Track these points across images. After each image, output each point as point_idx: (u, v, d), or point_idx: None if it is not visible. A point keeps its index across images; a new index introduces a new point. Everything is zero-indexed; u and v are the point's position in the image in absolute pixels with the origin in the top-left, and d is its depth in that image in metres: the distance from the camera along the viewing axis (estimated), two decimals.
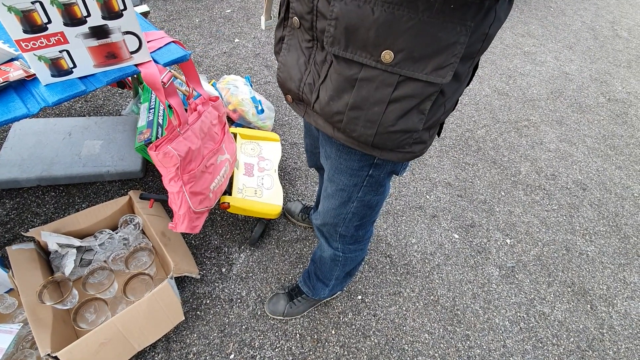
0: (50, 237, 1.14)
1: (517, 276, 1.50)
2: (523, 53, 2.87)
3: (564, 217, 1.75)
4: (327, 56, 0.56)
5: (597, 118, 2.36)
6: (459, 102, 2.32)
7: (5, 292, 1.10)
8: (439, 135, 0.72)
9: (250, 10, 2.73)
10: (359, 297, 1.35)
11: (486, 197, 1.79)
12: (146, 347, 1.12)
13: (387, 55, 0.49)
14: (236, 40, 2.44)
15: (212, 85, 1.77)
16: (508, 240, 1.63)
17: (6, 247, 1.09)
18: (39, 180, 1.48)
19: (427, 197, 1.74)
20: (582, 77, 2.71)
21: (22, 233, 1.14)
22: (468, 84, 0.64)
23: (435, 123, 0.61)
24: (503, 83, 2.54)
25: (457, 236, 1.61)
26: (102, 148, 1.60)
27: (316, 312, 1.29)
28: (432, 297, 1.39)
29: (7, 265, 1.09)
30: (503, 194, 1.82)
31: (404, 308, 1.34)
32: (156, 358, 1.13)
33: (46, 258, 1.19)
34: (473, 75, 0.63)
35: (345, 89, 0.55)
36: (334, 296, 1.32)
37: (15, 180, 1.45)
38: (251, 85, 1.85)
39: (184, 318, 1.14)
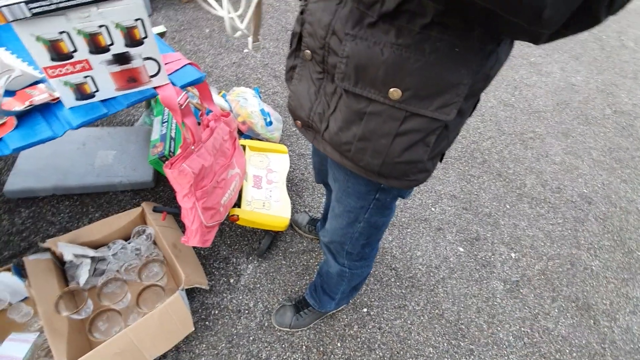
0: (66, 247, 1.18)
1: (521, 290, 1.51)
2: (529, 64, 2.88)
3: (569, 231, 1.76)
4: (337, 88, 0.59)
5: (602, 130, 2.36)
6: None
7: (21, 301, 1.13)
8: (441, 161, 0.75)
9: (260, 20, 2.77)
10: (365, 309, 1.37)
11: (491, 210, 1.80)
12: (157, 357, 1.15)
13: (395, 93, 0.52)
14: (245, 50, 2.48)
15: (221, 96, 1.81)
16: (513, 254, 1.64)
17: (23, 258, 1.13)
18: (54, 190, 1.52)
19: (433, 209, 1.76)
20: (588, 88, 2.72)
21: (40, 244, 1.18)
22: (470, 115, 0.67)
23: (439, 153, 0.64)
24: (509, 94, 2.56)
25: (462, 249, 1.62)
26: (115, 158, 1.64)
27: (322, 324, 1.31)
28: (436, 310, 1.41)
29: (23, 275, 1.13)
30: (508, 206, 1.84)
31: (408, 321, 1.36)
32: None
33: (61, 268, 1.23)
34: (475, 107, 0.66)
35: (354, 121, 0.58)
36: (340, 309, 1.34)
37: (31, 190, 1.50)
38: (260, 97, 1.89)
39: (194, 329, 1.17)
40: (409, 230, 1.66)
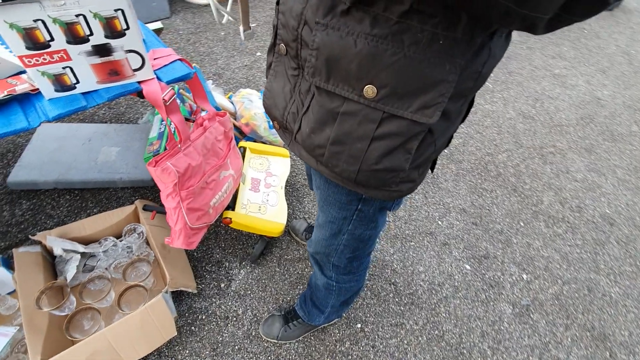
0: (55, 241, 1.17)
1: (532, 316, 1.40)
2: (552, 75, 2.74)
3: (588, 254, 1.62)
4: (312, 86, 0.53)
5: (629, 148, 2.20)
6: (480, 124, 2.24)
7: (8, 294, 1.13)
8: (432, 171, 0.68)
9: None
10: (359, 325, 1.30)
11: (503, 227, 1.69)
12: None
13: (370, 90, 0.46)
14: (258, 53, 2.48)
15: (228, 98, 1.80)
16: (524, 276, 1.52)
17: (13, 249, 1.12)
18: (55, 184, 1.53)
19: (439, 222, 1.67)
20: (614, 103, 2.56)
21: (30, 236, 1.17)
22: (463, 121, 0.60)
23: (425, 161, 0.57)
24: (529, 106, 2.44)
25: (468, 267, 1.52)
26: (118, 155, 1.64)
27: (312, 337, 1.24)
28: (436, 331, 1.31)
29: (12, 267, 1.12)
30: (522, 224, 1.72)
31: (405, 341, 1.27)
32: None
33: (52, 262, 1.22)
34: (468, 111, 0.59)
35: (327, 122, 0.53)
36: (331, 323, 1.27)
37: (33, 182, 1.51)
38: None
39: (176, 334, 1.13)
40: (412, 243, 1.57)
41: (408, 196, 1.75)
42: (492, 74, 2.68)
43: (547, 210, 1.79)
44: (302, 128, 0.57)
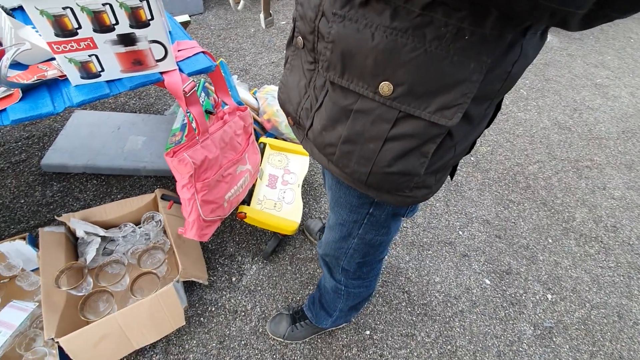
0: (78, 224, 1.21)
1: (554, 339, 1.31)
2: (594, 85, 2.58)
3: (621, 278, 1.51)
4: (327, 82, 0.51)
5: None
6: (511, 132, 2.14)
7: (32, 271, 1.18)
8: (451, 178, 0.64)
9: None
10: (367, 332, 1.26)
11: (529, 242, 1.60)
12: (146, 346, 1.13)
13: (386, 87, 0.44)
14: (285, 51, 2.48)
15: (252, 94, 1.81)
16: (549, 296, 1.43)
17: (39, 229, 1.17)
18: (84, 168, 1.60)
19: (460, 232, 1.60)
20: None
21: (56, 217, 1.22)
22: (488, 126, 0.55)
23: (443, 167, 0.53)
24: (566, 116, 2.30)
25: (488, 282, 1.45)
26: (143, 144, 1.69)
27: (319, 340, 1.22)
28: (449, 346, 1.26)
29: (38, 245, 1.17)
30: (550, 241, 1.62)
31: (415, 353, 1.23)
32: (154, 358, 1.14)
33: (74, 243, 1.27)
34: (494, 116, 0.54)
35: (339, 120, 0.50)
36: (339, 327, 1.24)
37: (64, 166, 1.58)
38: None
39: (185, 323, 1.14)
40: (429, 252, 1.52)
41: (428, 203, 1.69)
42: (527, 81, 2.56)
43: (579, 228, 1.68)
44: (314, 125, 0.55)
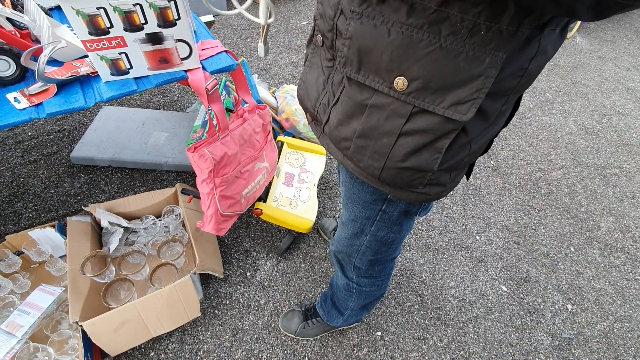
0: (103, 214, 1.27)
1: (573, 351, 1.27)
2: (625, 89, 2.47)
3: None
4: (344, 78, 0.52)
5: None
6: (534, 136, 2.08)
7: (60, 257, 1.24)
8: (467, 177, 0.63)
9: None
10: (379, 333, 1.26)
11: (550, 250, 1.56)
12: (163, 334, 1.17)
13: (401, 82, 0.44)
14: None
15: (272, 93, 1.84)
16: (569, 306, 1.39)
17: (67, 218, 1.23)
18: (110, 162, 1.67)
19: (477, 237, 1.57)
20: None
21: (83, 207, 1.28)
22: (506, 124, 0.55)
23: (458, 165, 0.53)
24: (594, 121, 2.22)
25: (505, 288, 1.42)
26: (166, 140, 1.75)
27: (330, 338, 1.23)
28: (462, 352, 1.24)
29: (66, 233, 1.24)
30: (572, 249, 1.57)
31: (426, 357, 1.22)
32: (170, 346, 1.18)
33: (99, 232, 1.33)
34: (512, 114, 0.54)
35: (354, 115, 0.51)
36: (350, 326, 1.25)
37: (91, 159, 1.65)
38: None
39: (200, 314, 1.17)
40: (445, 255, 1.50)
41: (445, 206, 1.67)
42: (553, 84, 2.48)
43: (604, 238, 1.62)
44: (331, 119, 0.56)
